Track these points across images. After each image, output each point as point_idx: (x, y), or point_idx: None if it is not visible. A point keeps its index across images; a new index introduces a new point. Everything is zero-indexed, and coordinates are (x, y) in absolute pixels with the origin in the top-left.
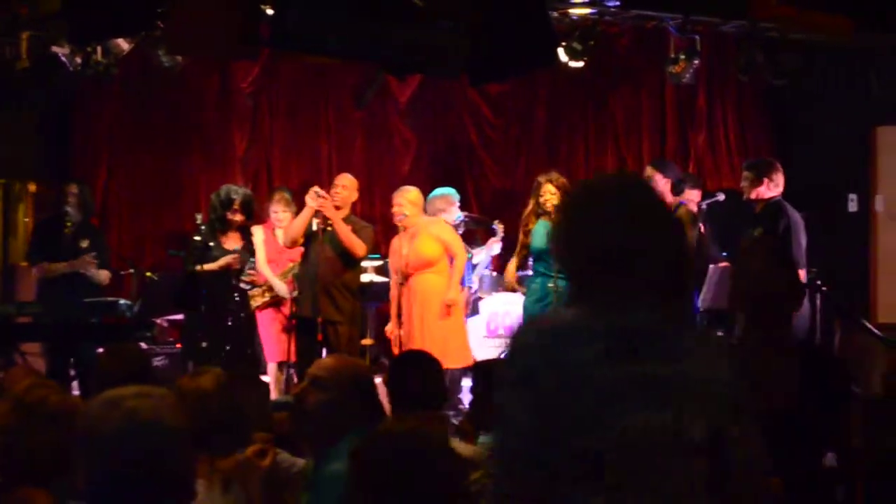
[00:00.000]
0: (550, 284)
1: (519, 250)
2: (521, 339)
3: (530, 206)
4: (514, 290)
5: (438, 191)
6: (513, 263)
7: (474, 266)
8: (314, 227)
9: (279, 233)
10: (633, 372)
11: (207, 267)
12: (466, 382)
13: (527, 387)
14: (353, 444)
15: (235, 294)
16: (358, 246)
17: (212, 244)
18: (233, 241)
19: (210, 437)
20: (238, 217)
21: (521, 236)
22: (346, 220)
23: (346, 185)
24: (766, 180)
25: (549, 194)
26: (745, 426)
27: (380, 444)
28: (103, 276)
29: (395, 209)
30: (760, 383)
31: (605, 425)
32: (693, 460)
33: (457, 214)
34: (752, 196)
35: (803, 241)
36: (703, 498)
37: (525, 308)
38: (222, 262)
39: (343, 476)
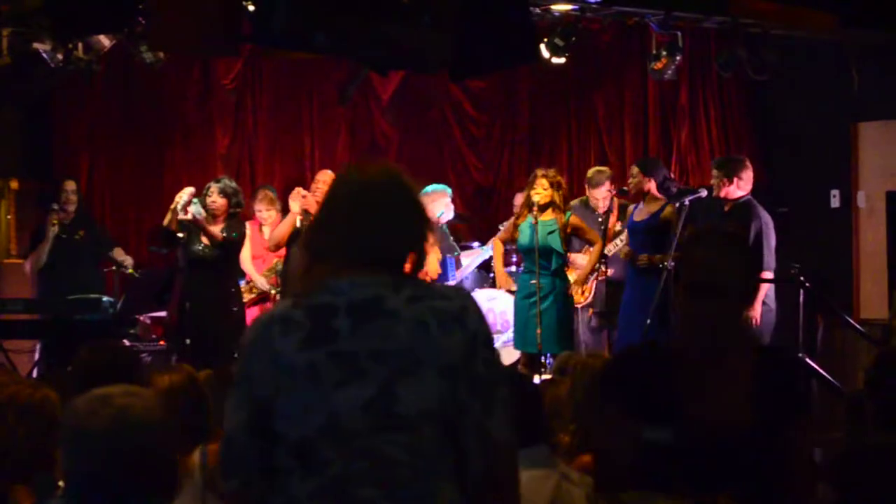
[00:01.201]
0: (533, 281)
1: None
2: (245, 337)
3: (524, 199)
4: (509, 290)
5: (435, 186)
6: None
7: (459, 264)
8: (297, 224)
9: (266, 230)
10: (334, 352)
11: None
12: None
13: (245, 384)
14: None
15: (225, 289)
16: None
17: (191, 235)
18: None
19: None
20: (218, 201)
21: (511, 227)
22: None
23: (328, 182)
24: (735, 179)
25: (542, 189)
26: (483, 397)
27: None
28: (127, 261)
29: None
30: (705, 393)
31: (312, 411)
32: (414, 434)
33: (441, 211)
34: (722, 195)
35: (773, 241)
36: (435, 473)
37: (515, 304)
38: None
39: None
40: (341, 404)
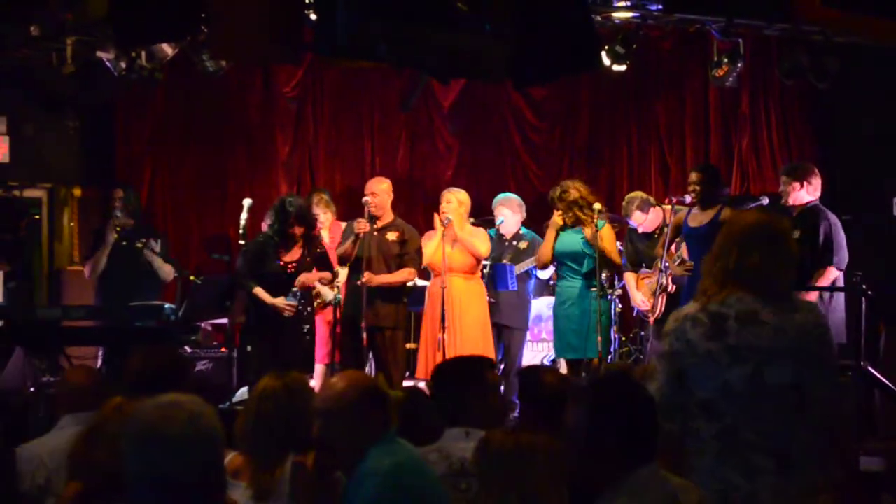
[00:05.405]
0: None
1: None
2: (667, 325)
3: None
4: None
5: (516, 196)
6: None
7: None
8: (359, 234)
9: (324, 233)
10: (726, 344)
11: (261, 295)
12: None
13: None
14: (374, 456)
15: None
16: (409, 275)
17: (268, 254)
18: (292, 253)
19: (262, 441)
20: (298, 230)
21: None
22: (392, 223)
23: (384, 190)
24: (805, 184)
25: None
26: (826, 377)
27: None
28: (167, 270)
29: (448, 204)
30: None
31: (711, 379)
32: (778, 399)
33: (501, 219)
34: (791, 201)
35: (843, 239)
36: (791, 423)
37: (553, 310)
38: (279, 304)
39: (363, 479)
40: (733, 377)
